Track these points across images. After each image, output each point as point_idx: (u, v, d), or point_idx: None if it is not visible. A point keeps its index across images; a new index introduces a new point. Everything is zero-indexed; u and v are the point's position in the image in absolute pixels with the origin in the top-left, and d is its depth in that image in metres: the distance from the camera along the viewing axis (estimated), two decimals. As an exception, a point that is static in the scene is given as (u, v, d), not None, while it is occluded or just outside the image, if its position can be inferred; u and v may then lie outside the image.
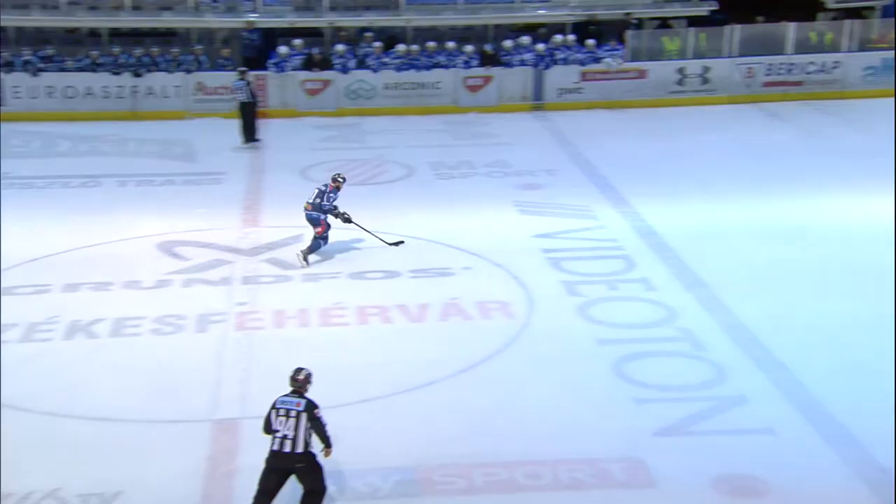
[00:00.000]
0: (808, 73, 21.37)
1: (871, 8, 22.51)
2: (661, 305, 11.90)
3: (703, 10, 22.13)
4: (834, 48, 21.54)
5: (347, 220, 13.29)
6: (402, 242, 13.66)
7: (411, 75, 21.04)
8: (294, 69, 21.04)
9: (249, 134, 18.87)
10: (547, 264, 13.15)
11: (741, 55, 21.36)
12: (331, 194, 13.12)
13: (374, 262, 13.24)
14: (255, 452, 8.02)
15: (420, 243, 13.90)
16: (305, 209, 13.16)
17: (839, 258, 13.16)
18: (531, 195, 15.99)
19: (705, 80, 21.32)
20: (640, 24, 22.20)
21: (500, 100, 21.19)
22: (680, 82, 21.30)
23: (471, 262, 13.25)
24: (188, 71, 20.90)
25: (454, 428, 9.33)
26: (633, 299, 12.12)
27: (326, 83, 21.02)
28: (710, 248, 13.53)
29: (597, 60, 21.18)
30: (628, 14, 21.97)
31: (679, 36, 21.67)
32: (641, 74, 21.24)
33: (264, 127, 19.40)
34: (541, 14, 22.30)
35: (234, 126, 18.88)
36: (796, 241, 13.74)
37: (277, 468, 7.73)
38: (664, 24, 22.54)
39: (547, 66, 21.15)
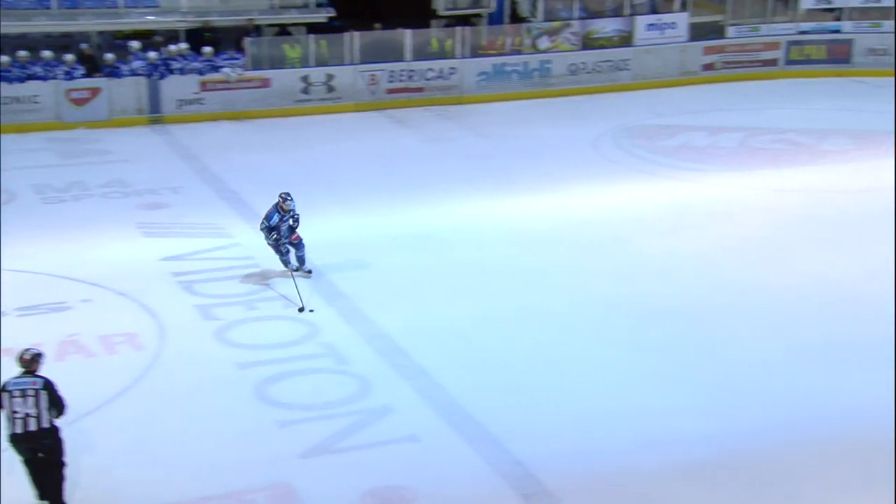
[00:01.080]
0: (428, 79, 22.01)
1: (479, 15, 23.69)
2: (303, 322, 11.65)
3: (320, 17, 22.05)
4: (450, 55, 22.37)
5: (268, 233, 12.43)
6: (302, 310, 11.84)
7: (3, 88, 18.87)
8: None
9: None
10: (178, 289, 12.46)
11: (363, 62, 21.53)
12: (264, 218, 12.42)
13: (-30, 302, 11.69)
14: None
15: (27, 277, 12.59)
16: None
17: (470, 259, 13.53)
18: (155, 215, 15.05)
19: (330, 88, 21.25)
20: (258, 31, 21.68)
21: (111, 113, 19.66)
22: (305, 90, 21.06)
23: (90, 293, 12.25)
24: None
25: (81, 480, 8.50)
26: (272, 318, 11.77)
27: None
28: (348, 258, 13.38)
29: (216, 69, 20.35)
30: (249, 20, 21.35)
31: (300, 43, 21.42)
32: (264, 83, 20.73)
33: None
34: (149, 21, 20.99)
35: None
36: (429, 246, 13.95)
37: (29, 448, 7.88)
38: (283, 31, 22.21)
39: (162, 76, 19.97)
